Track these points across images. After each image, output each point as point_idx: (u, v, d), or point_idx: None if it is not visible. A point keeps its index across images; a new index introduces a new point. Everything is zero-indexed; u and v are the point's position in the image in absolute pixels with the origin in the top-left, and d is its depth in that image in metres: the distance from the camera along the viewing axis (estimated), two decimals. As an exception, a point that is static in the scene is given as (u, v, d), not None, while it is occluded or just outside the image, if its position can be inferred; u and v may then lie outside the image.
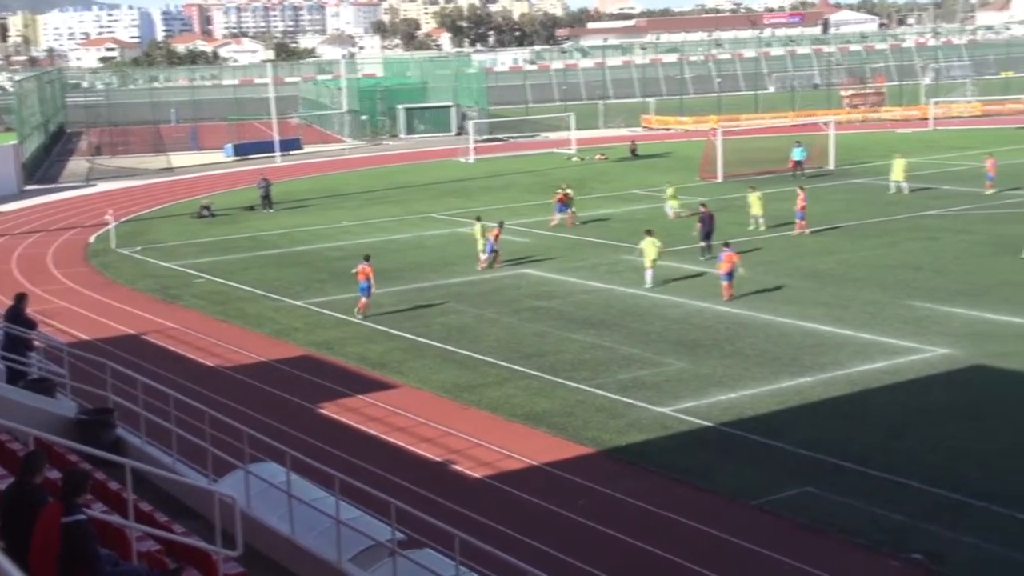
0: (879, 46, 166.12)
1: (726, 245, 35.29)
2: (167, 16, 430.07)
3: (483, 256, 40.73)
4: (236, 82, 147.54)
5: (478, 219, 42.64)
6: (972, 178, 55.89)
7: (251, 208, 59.12)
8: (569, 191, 50.32)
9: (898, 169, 53.70)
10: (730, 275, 34.08)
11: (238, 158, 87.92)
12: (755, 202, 45.60)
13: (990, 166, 52.84)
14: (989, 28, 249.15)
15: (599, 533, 18.65)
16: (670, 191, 50.42)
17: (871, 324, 30.56)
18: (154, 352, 31.60)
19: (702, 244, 40.61)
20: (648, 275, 36.59)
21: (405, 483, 20.63)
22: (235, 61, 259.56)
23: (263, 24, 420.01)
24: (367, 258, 34.40)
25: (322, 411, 25.80)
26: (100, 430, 19.28)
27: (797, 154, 60.78)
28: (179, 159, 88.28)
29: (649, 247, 36.69)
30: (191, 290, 39.85)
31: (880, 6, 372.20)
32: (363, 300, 34.05)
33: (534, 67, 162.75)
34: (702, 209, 41.70)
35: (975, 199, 50.62)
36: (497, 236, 40.82)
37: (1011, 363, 26.56)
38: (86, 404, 20.68)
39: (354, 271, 34.64)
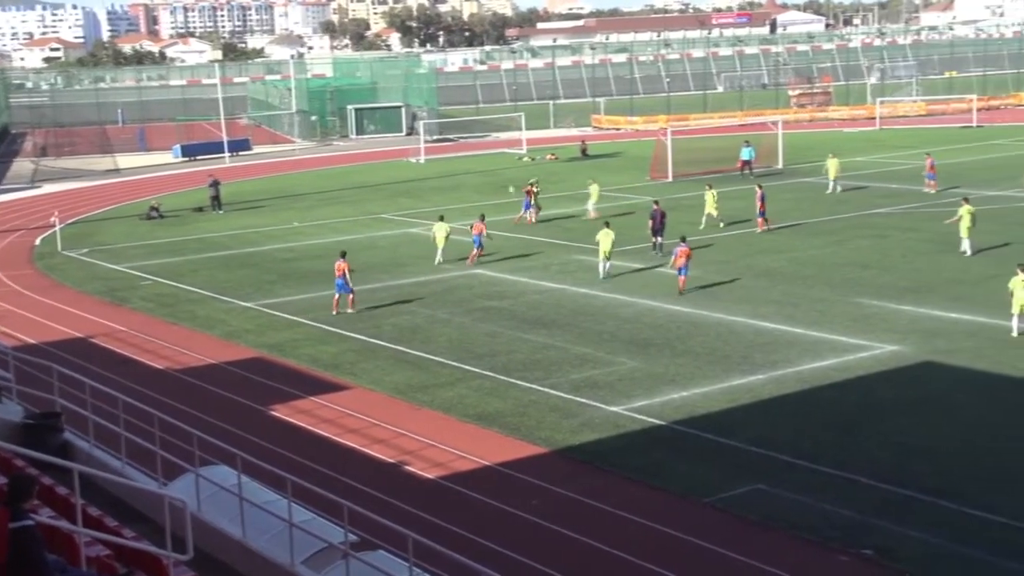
0: (826, 46, 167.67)
1: (683, 240, 35.66)
2: (112, 16, 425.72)
3: (474, 250, 41.20)
4: (184, 82, 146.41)
5: (441, 218, 42.65)
6: (919, 177, 56.46)
7: (200, 209, 58.69)
8: (536, 188, 50.85)
9: (832, 168, 54.49)
10: (685, 269, 34.63)
11: (186, 159, 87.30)
12: (710, 200, 45.93)
13: (929, 165, 53.53)
14: (933, 28, 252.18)
15: (553, 533, 18.65)
16: (594, 188, 50.94)
17: (821, 322, 30.80)
18: (102, 355, 31.27)
19: (653, 240, 40.86)
20: (601, 266, 37.32)
21: (358, 485, 20.53)
22: (182, 61, 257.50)
23: (210, 24, 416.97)
24: (343, 255, 34.58)
25: (274, 413, 25.63)
26: (47, 434, 19.08)
27: (746, 154, 61.29)
28: (126, 160, 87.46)
29: (604, 238, 37.28)
30: (139, 292, 39.48)
31: (826, 6, 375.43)
32: (338, 296, 34.05)
33: (484, 67, 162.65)
34: (654, 206, 41.98)
35: (922, 197, 51.18)
36: (482, 230, 41.21)
37: (958, 360, 26.86)
38: (32, 408, 20.45)
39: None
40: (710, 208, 45.88)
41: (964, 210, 38.97)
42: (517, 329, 31.66)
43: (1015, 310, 28.57)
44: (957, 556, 17.10)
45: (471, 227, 41.91)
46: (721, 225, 45.54)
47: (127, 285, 40.76)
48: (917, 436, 22.14)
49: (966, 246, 38.63)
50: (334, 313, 34.00)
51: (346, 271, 33.88)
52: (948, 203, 49.54)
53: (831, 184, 54.32)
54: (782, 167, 64.08)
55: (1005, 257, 37.65)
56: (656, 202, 42.85)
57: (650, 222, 41.43)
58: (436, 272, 39.94)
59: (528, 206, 49.84)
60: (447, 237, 41.06)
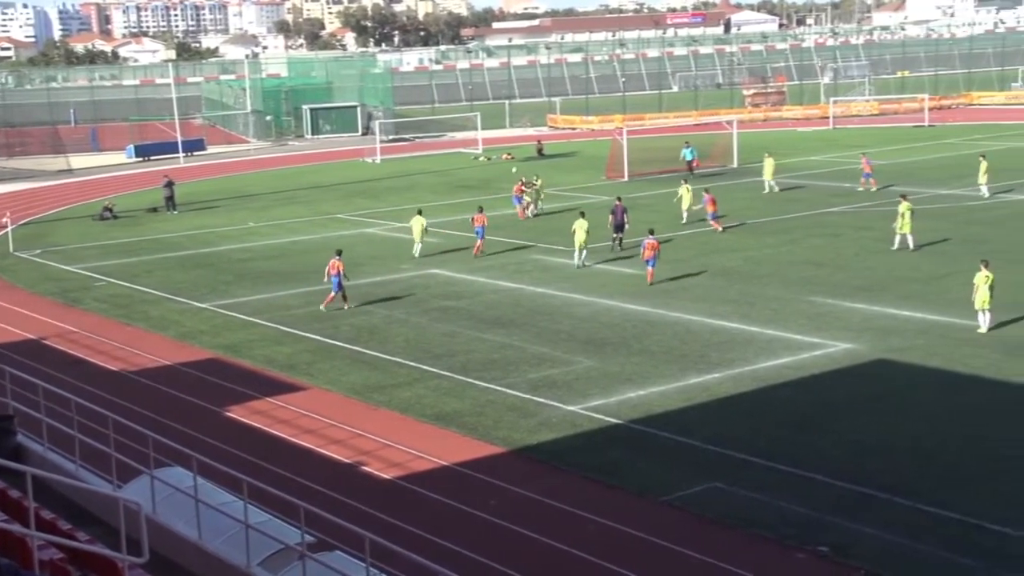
0: (780, 46, 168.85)
1: (650, 233, 36.71)
2: (64, 15, 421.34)
3: (478, 242, 42.44)
4: (137, 82, 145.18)
5: (419, 212, 43.46)
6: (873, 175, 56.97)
7: (154, 210, 58.25)
8: (525, 186, 51.86)
9: (768, 169, 55.24)
10: (652, 261, 35.66)
11: (140, 159, 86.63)
12: (686, 195, 47.18)
13: (865, 164, 54.49)
14: (885, 28, 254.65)
15: (510, 532, 18.66)
16: (539, 183, 52.21)
17: (776, 320, 31.00)
18: (55, 357, 30.95)
19: (613, 236, 41.35)
20: (576, 255, 38.93)
21: (315, 485, 20.45)
22: (135, 61, 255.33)
23: (164, 24, 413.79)
24: (339, 253, 34.91)
25: (229, 414, 25.47)
26: (-1, 437, 18.86)
27: (687, 154, 61.77)
28: (79, 160, 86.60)
29: (579, 228, 38.85)
30: (93, 293, 39.12)
31: (780, 7, 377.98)
32: (332, 294, 34.31)
33: (440, 67, 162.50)
34: (616, 202, 42.55)
35: (875, 196, 51.61)
36: (483, 222, 42.41)
37: (911, 357, 27.11)
38: (-16, 411, 20.20)
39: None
40: (687, 203, 46.94)
41: (903, 207, 39.62)
42: (474, 329, 31.65)
43: (979, 306, 28.88)
44: (911, 553, 17.25)
45: (472, 220, 43.24)
46: (684, 220, 46.57)
47: (80, 286, 40.38)
48: (871, 434, 22.32)
49: (909, 241, 39.34)
50: (322, 308, 34.13)
51: (341, 269, 34.10)
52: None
53: (767, 184, 55.09)
54: (737, 166, 64.46)
55: (955, 256, 38.10)
56: (619, 198, 43.37)
57: (610, 217, 41.75)
58: (393, 272, 39.86)
59: (519, 200, 51.07)
60: (424, 230, 42.07)
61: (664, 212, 48.44)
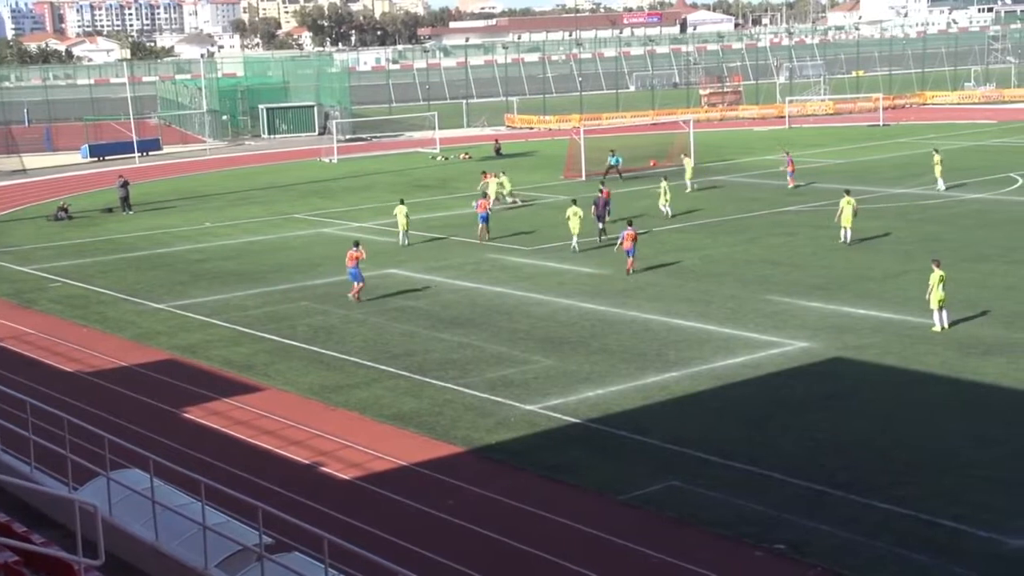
0: (736, 46, 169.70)
1: (629, 224, 37.94)
2: (16, 14, 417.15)
3: (481, 225, 44.65)
4: (91, 82, 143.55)
5: (401, 201, 45.95)
6: (829, 175, 57.51)
7: (110, 210, 57.79)
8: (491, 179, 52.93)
9: (687, 168, 56.72)
10: (632, 251, 36.83)
11: (95, 159, 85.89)
12: (663, 192, 48.49)
13: (788, 162, 56.00)
14: (840, 28, 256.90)
15: (469, 532, 18.66)
16: (504, 179, 52.89)
17: (733, 319, 31.17)
18: (9, 358, 30.64)
19: (599, 226, 42.88)
20: (575, 241, 41.12)
21: (273, 486, 20.37)
22: (90, 60, 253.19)
23: (118, 23, 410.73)
24: (356, 244, 35.41)
25: (187, 415, 25.32)
26: (-48, 441, 18.65)
27: (612, 161, 61.91)
28: (32, 160, 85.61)
29: (573, 216, 40.90)
30: (48, 294, 38.75)
31: (735, 6, 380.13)
32: (356, 285, 34.94)
33: (397, 67, 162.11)
34: (601, 192, 44.74)
35: (832, 195, 51.96)
36: (486, 207, 45.26)
37: (867, 355, 27.35)
38: (-63, 414, 19.97)
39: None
40: (665, 198, 48.31)
41: (844, 202, 40.93)
42: (432, 328, 31.62)
43: (934, 305, 29.19)
44: (866, 549, 17.40)
45: (476, 205, 45.73)
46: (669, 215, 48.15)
47: (35, 287, 39.99)
48: (828, 431, 22.50)
49: (847, 236, 40.80)
50: (351, 298, 34.90)
51: (359, 259, 34.90)
52: (861, 202, 50.47)
53: (688, 184, 55.84)
54: (694, 166, 64.61)
55: (911, 254, 38.50)
56: (602, 185, 46.34)
57: (593, 207, 43.06)
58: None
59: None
60: (408, 217, 44.05)
61: (623, 210, 48.55)
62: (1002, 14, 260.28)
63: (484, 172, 55.53)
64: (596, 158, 63.06)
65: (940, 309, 29.19)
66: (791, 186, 54.83)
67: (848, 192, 42.11)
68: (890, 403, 24.16)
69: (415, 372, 27.50)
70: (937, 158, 52.69)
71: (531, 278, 37.51)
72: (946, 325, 29.11)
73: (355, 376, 27.55)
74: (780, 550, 17.52)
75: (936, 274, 29.19)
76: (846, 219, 40.55)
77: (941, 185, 52.06)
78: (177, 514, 15.98)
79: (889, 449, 21.49)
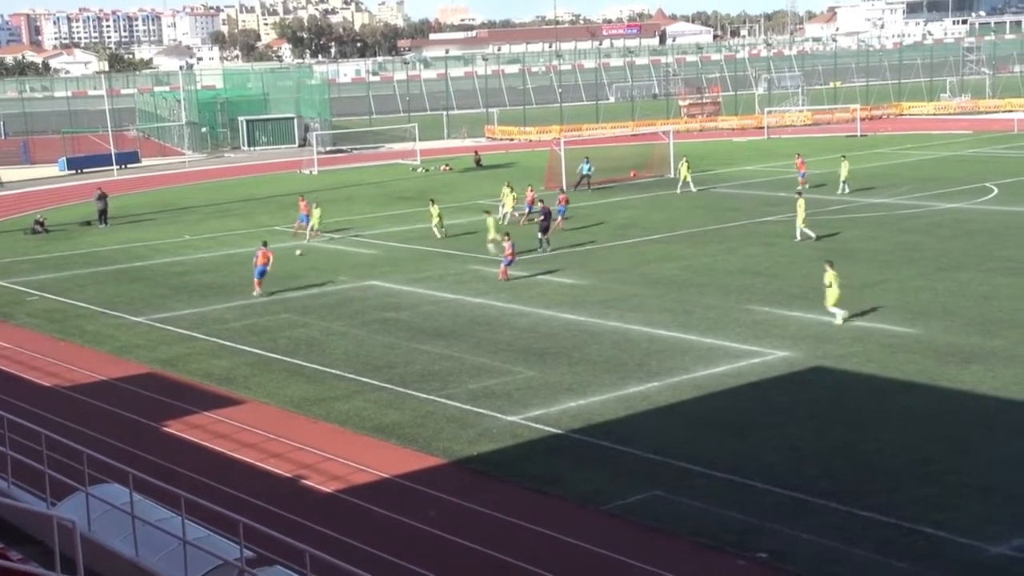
0: (714, 57, 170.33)
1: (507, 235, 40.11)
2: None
3: (525, 212, 49.19)
4: (69, 94, 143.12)
5: (432, 201, 49.31)
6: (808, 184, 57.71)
7: (88, 223, 57.54)
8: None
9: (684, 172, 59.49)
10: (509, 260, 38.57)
11: (72, 172, 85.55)
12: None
13: (683, 175, 57.90)
14: (817, 40, 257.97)
15: (451, 544, 18.61)
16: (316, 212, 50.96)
17: (714, 329, 31.22)
18: (-14, 373, 30.44)
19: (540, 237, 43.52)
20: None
21: (254, 500, 20.27)
22: (67, 72, 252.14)
23: (96, 35, 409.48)
24: (265, 244, 38.85)
25: (167, 429, 25.19)
26: (-70, 456, 18.52)
27: (585, 168, 62.06)
28: (9, 173, 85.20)
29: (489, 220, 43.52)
30: (25, 308, 38.53)
31: (714, 18, 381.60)
32: (257, 281, 38.25)
33: (377, 78, 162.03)
34: (560, 197, 47.28)
35: (811, 205, 52.08)
36: (533, 199, 49.32)
37: (847, 364, 27.42)
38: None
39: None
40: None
41: (799, 204, 44.09)
42: (414, 340, 31.57)
43: (830, 303, 31.14)
44: (848, 557, 17.43)
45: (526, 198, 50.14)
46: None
47: (12, 301, 39.77)
48: (809, 440, 22.54)
49: (801, 234, 43.43)
50: (257, 293, 36.59)
51: (269, 258, 37.89)
52: (835, 211, 50.72)
53: (690, 186, 58.11)
54: (673, 176, 64.85)
55: (889, 263, 38.68)
56: (562, 192, 48.54)
57: (540, 219, 44.05)
58: (331, 284, 39.69)
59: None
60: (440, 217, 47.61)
61: (584, 220, 48.66)
62: (976, 26, 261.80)
63: (301, 196, 53.23)
64: (577, 169, 63.09)
65: (837, 307, 31.07)
66: (801, 187, 54.44)
67: (800, 193, 46.13)
68: (871, 411, 24.23)
69: (397, 384, 27.44)
70: (845, 164, 56.86)
71: (512, 289, 37.50)
72: (844, 318, 30.94)
73: (336, 388, 27.47)
74: (762, 559, 17.53)
75: (830, 274, 31.10)
76: (800, 220, 43.51)
77: (846, 189, 56.02)
78: (157, 529, 15.89)
79: (870, 457, 21.55)
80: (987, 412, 23.89)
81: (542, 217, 43.79)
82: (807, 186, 55.19)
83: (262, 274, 38.04)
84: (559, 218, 47.41)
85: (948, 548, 17.57)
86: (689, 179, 59.19)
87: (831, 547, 17.75)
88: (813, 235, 43.27)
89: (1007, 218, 47.36)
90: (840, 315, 30.97)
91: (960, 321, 30.82)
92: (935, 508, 18.95)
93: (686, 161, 60.73)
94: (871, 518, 18.67)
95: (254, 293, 37.99)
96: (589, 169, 62.28)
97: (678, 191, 58.22)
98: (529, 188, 51.94)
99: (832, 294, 31.14)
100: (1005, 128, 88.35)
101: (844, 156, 59.17)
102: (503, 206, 51.28)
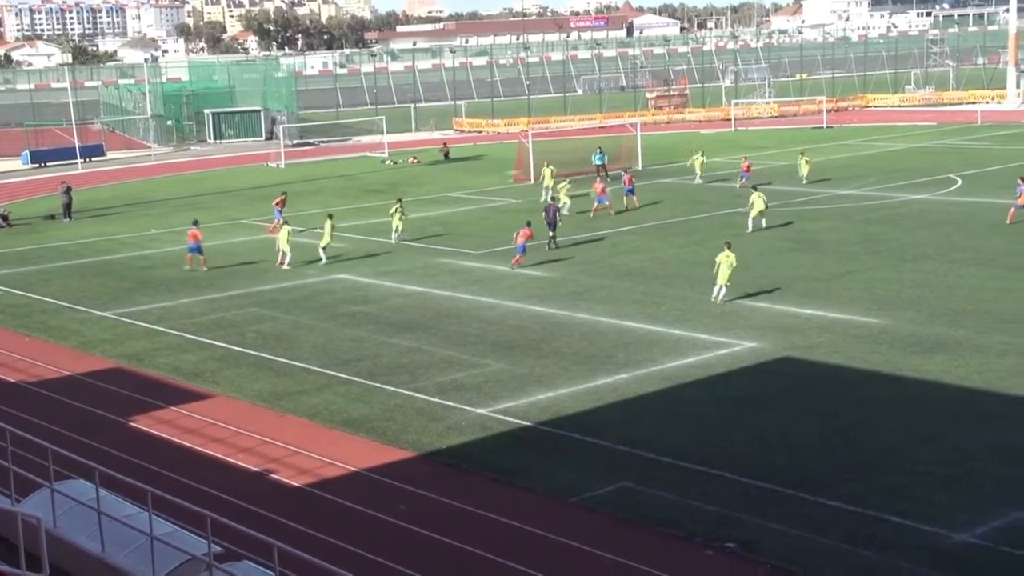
0: (681, 49, 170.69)
1: (527, 224, 37.79)
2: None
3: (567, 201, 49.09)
4: (32, 87, 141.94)
5: (399, 200, 48.02)
6: (773, 176, 57.95)
7: (52, 217, 57.09)
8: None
9: (547, 177, 57.01)
10: (523, 247, 38.84)
11: (36, 165, 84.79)
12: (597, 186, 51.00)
13: (626, 181, 54.81)
14: (783, 32, 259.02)
15: (421, 536, 18.59)
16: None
17: (682, 320, 31.32)
18: (-50, 369, 30.16)
19: (550, 234, 42.62)
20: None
21: (223, 495, 20.19)
22: (29, 65, 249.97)
23: (59, 27, 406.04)
24: (195, 223, 42.08)
25: (134, 425, 25.04)
26: None
27: (597, 159, 62.25)
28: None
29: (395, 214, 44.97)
30: (-11, 303, 38.20)
31: (681, 11, 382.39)
32: (200, 257, 41.11)
33: (344, 71, 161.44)
34: (551, 202, 45.62)
35: (777, 196, 52.37)
36: (631, 180, 51.58)
37: (814, 355, 27.57)
38: None
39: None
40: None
41: (755, 196, 44.82)
42: (382, 333, 31.50)
43: (720, 281, 32.68)
44: (815, 546, 17.53)
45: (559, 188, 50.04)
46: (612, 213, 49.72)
47: (-24, 296, 39.41)
48: (777, 430, 22.66)
49: (757, 224, 44.51)
50: (189, 267, 37.36)
51: (199, 237, 40.60)
52: (804, 203, 50.97)
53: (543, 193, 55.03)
54: (641, 168, 65.01)
55: (855, 255, 38.92)
56: (553, 198, 47.30)
57: (544, 215, 43.23)
58: (299, 277, 39.54)
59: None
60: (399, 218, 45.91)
61: (571, 213, 48.69)
62: (940, 18, 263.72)
63: (284, 193, 51.86)
64: (545, 160, 63.04)
65: (724, 286, 32.72)
66: (740, 186, 55.20)
67: (756, 188, 46.54)
68: (838, 402, 24.37)
69: (365, 377, 27.38)
70: (804, 159, 57.90)
71: (481, 281, 37.49)
72: (721, 299, 32.65)
73: (305, 382, 27.38)
74: (731, 548, 17.61)
75: (724, 254, 32.78)
76: (754, 211, 44.52)
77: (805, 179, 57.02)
78: (124, 525, 15.79)
79: (837, 447, 21.68)
80: (952, 402, 24.08)
81: (546, 214, 43.18)
82: (749, 185, 55.19)
83: (194, 250, 41.51)
84: (634, 196, 51.43)
85: (913, 536, 17.71)
86: (700, 172, 60.03)
87: (799, 536, 17.86)
88: (764, 225, 44.52)
89: (971, 209, 47.73)
90: (717, 294, 32.74)
91: (925, 311, 31.06)
92: (900, 497, 19.10)
93: (701, 154, 61.34)
94: (838, 507, 18.79)
95: (185, 267, 41.45)
96: (602, 159, 62.44)
97: (697, 182, 59.31)
98: (625, 170, 56.18)
99: (723, 272, 32.65)
100: (968, 120, 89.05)
101: (803, 152, 59.46)
102: (548, 193, 52.02)
